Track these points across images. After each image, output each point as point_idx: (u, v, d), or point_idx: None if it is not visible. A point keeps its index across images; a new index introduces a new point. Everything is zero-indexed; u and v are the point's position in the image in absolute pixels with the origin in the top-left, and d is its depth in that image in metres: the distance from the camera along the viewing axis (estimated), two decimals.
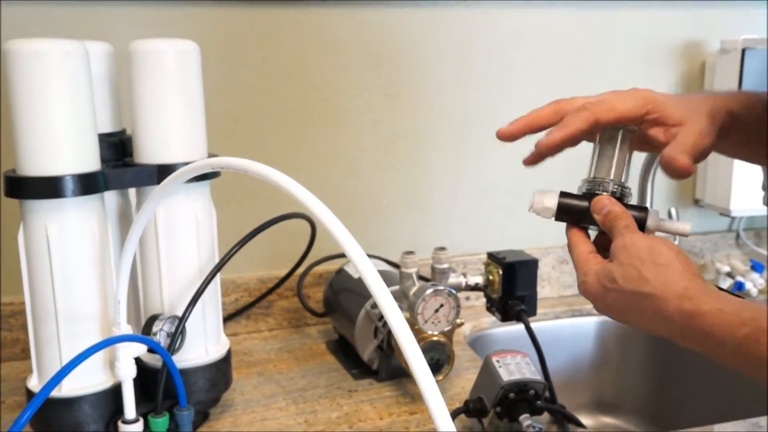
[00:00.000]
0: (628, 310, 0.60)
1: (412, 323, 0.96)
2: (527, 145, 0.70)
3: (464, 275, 1.05)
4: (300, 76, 1.23)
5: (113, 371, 0.82)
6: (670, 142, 0.64)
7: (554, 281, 1.42)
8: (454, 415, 0.90)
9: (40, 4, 1.09)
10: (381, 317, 1.03)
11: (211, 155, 0.91)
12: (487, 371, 0.89)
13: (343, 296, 1.14)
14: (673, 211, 1.37)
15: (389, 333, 1.02)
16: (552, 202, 0.67)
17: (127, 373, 0.81)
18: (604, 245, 0.65)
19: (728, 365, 0.54)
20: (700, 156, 0.64)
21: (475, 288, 1.05)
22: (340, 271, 1.19)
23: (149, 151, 0.86)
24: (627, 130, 0.67)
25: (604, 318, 1.30)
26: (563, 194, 0.67)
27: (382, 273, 1.13)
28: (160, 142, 0.86)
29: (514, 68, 1.33)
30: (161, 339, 0.85)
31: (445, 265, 1.01)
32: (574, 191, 0.69)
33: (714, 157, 0.72)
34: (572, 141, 0.66)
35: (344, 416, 0.96)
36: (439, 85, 1.30)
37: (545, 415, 0.95)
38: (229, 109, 1.21)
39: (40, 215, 0.79)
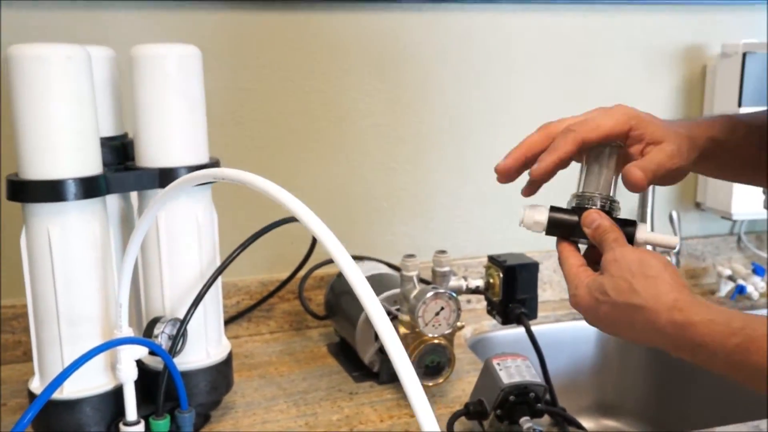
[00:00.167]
0: (619, 322, 0.61)
1: (413, 326, 0.96)
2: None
3: (465, 278, 1.05)
4: (302, 79, 1.23)
5: (115, 373, 0.82)
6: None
7: (555, 284, 1.42)
8: (455, 417, 0.90)
9: (42, 9, 1.10)
10: None
11: (212, 159, 0.91)
12: (488, 374, 0.90)
13: (344, 299, 1.14)
14: (675, 215, 1.37)
15: None
16: (542, 216, 0.68)
17: (129, 376, 0.81)
18: (594, 259, 0.67)
19: (721, 374, 0.55)
20: (666, 176, 0.66)
21: (475, 291, 1.06)
22: (341, 275, 1.18)
23: (151, 155, 0.87)
24: (613, 146, 0.68)
25: None
26: (553, 209, 0.68)
27: (383, 276, 1.14)
28: (161, 146, 0.86)
29: (515, 72, 1.34)
30: (162, 341, 0.85)
31: (446, 268, 1.02)
32: (571, 191, 0.70)
33: None
34: (563, 163, 0.67)
35: (345, 419, 0.97)
36: (441, 88, 1.30)
37: (546, 418, 0.95)
38: (230, 113, 1.21)
39: (42, 218, 0.79)
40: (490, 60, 1.32)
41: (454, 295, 0.97)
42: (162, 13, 1.15)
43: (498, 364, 0.90)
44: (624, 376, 1.38)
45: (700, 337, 0.55)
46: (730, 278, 1.44)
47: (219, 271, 0.90)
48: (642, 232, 0.66)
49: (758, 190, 1.07)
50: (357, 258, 1.22)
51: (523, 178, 0.71)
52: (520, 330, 1.02)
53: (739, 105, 1.35)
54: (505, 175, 0.68)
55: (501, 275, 1.02)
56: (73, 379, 0.78)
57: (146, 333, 0.86)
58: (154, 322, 0.87)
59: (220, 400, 0.97)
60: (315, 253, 1.16)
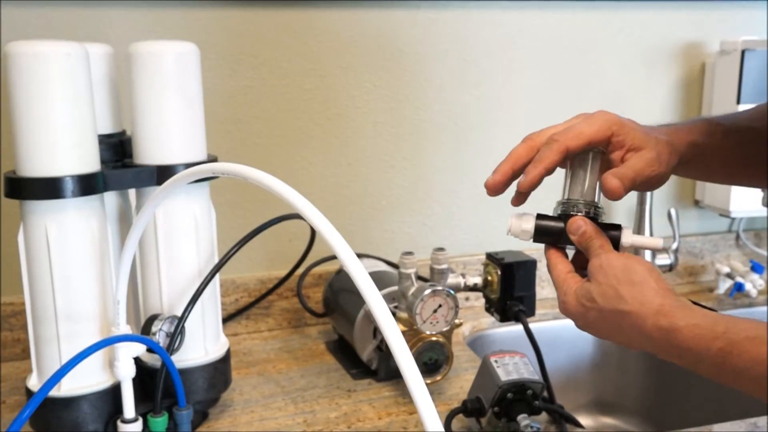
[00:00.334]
0: (607, 327, 0.63)
1: (411, 323, 0.96)
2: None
3: (463, 276, 1.05)
4: (300, 77, 1.23)
5: (112, 371, 0.82)
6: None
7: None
8: (452, 415, 0.91)
9: (40, 6, 1.10)
10: None
11: (210, 156, 0.91)
12: (485, 371, 0.90)
13: (343, 297, 1.14)
14: (673, 212, 1.37)
15: None
16: (529, 225, 0.69)
17: (127, 373, 0.81)
18: (582, 264, 0.68)
19: (707, 377, 0.56)
20: (646, 182, 0.67)
21: (473, 288, 1.06)
22: (340, 272, 1.19)
23: (149, 152, 0.87)
24: (596, 152, 0.69)
25: None
26: (540, 216, 0.69)
27: (381, 273, 1.14)
28: (159, 144, 0.86)
29: (514, 69, 1.34)
30: (160, 339, 0.85)
31: (444, 266, 1.02)
32: (558, 195, 0.71)
33: None
34: (549, 173, 0.68)
35: (343, 416, 0.97)
36: (439, 85, 1.30)
37: (543, 415, 0.95)
38: (228, 110, 1.21)
39: (40, 216, 0.79)
40: (488, 57, 1.32)
41: (452, 292, 0.97)
42: (160, 10, 1.15)
43: (496, 361, 0.90)
44: (622, 373, 1.38)
45: (685, 342, 0.56)
46: (729, 276, 1.44)
47: (217, 269, 0.90)
48: (627, 236, 0.68)
49: (757, 189, 1.07)
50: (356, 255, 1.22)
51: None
52: (518, 327, 1.02)
53: (738, 102, 1.35)
54: (495, 190, 0.70)
55: (499, 273, 1.02)
56: (71, 376, 0.79)
57: (144, 330, 0.86)
58: (152, 319, 0.87)
59: (218, 397, 0.97)
60: (313, 250, 1.16)
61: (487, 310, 1.07)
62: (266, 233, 0.97)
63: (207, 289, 0.88)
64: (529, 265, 1.03)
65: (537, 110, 1.36)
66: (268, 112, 1.23)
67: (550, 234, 0.69)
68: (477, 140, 1.34)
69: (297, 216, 1.02)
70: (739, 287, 1.41)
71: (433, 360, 0.99)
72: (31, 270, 0.82)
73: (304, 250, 1.16)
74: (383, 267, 1.20)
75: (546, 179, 0.68)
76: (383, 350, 1.04)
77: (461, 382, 1.05)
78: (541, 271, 1.32)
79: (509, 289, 1.02)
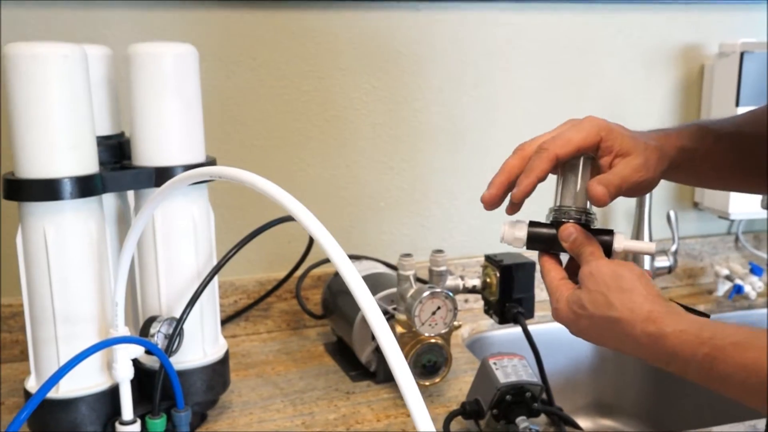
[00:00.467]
0: (599, 334, 0.63)
1: (410, 325, 0.96)
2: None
3: (462, 278, 1.05)
4: (299, 78, 1.23)
5: (111, 373, 0.82)
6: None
7: None
8: (451, 417, 0.90)
9: (39, 8, 1.10)
10: None
11: (208, 158, 0.91)
12: (484, 373, 0.90)
13: (341, 298, 1.14)
14: (672, 214, 1.37)
15: None
16: (522, 233, 0.70)
17: (125, 375, 0.81)
18: (576, 270, 0.68)
19: (696, 382, 0.56)
20: (633, 189, 0.67)
21: (472, 290, 1.06)
22: (338, 274, 1.19)
23: (147, 154, 0.87)
24: (587, 158, 0.70)
25: None
26: (532, 224, 0.70)
27: (380, 275, 1.14)
28: (158, 145, 0.86)
29: (512, 71, 1.34)
30: (159, 341, 0.85)
31: (443, 268, 1.02)
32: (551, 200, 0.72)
33: None
34: (541, 181, 0.68)
35: (342, 418, 0.97)
36: (438, 87, 1.30)
37: (542, 418, 0.95)
38: (227, 112, 1.21)
39: (38, 217, 0.79)
40: (486, 59, 1.32)
41: (451, 294, 0.97)
42: (159, 12, 1.15)
43: (494, 363, 0.90)
44: (621, 375, 1.38)
45: (672, 348, 0.57)
46: (728, 278, 1.44)
47: (215, 270, 0.90)
48: (619, 242, 0.68)
49: None
50: (354, 257, 1.22)
51: None
52: (517, 329, 1.02)
53: (737, 104, 1.36)
54: (492, 203, 0.70)
55: (498, 275, 1.02)
56: (69, 378, 0.79)
57: (142, 332, 0.86)
58: (151, 321, 0.87)
59: (217, 399, 0.97)
60: (312, 252, 1.16)
61: (486, 312, 1.07)
62: (265, 235, 0.97)
63: (205, 290, 0.88)
64: (528, 267, 1.03)
65: (535, 112, 1.36)
66: (267, 114, 1.23)
67: (542, 241, 0.70)
68: (475, 142, 1.34)
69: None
70: (738, 289, 1.41)
71: (432, 362, 0.99)
72: (30, 271, 0.82)
73: (302, 252, 1.16)
74: (382, 269, 1.20)
75: (540, 185, 0.69)
76: (382, 352, 1.04)
77: (460, 384, 1.05)
78: (540, 273, 1.32)
79: (508, 291, 1.02)
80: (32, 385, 0.85)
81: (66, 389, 0.82)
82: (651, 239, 1.36)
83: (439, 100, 1.31)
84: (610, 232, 0.68)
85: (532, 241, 0.70)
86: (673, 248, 1.36)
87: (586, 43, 1.37)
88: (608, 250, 0.67)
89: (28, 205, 0.79)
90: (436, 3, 1.27)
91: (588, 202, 0.69)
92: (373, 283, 1.08)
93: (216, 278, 0.92)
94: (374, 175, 1.30)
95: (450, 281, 1.03)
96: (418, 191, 1.33)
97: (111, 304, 0.81)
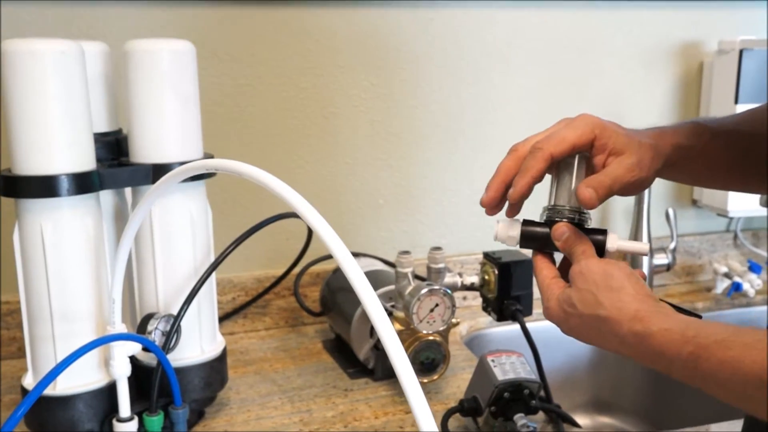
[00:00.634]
0: (588, 333, 0.63)
1: (408, 323, 0.96)
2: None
3: (460, 275, 1.05)
4: (296, 75, 1.23)
5: (108, 370, 0.82)
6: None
7: None
8: (449, 414, 0.90)
9: (36, 4, 1.10)
10: None
11: (206, 155, 0.91)
12: (482, 371, 0.90)
13: (340, 296, 1.14)
14: (671, 212, 1.37)
15: None
16: (515, 231, 0.70)
17: (122, 372, 0.81)
18: (568, 269, 0.68)
19: (682, 381, 0.56)
20: (626, 188, 0.67)
21: (470, 288, 1.06)
22: (337, 271, 1.19)
23: (144, 151, 0.86)
24: (581, 157, 0.69)
25: None
26: (526, 222, 0.70)
27: (378, 272, 1.14)
28: (155, 142, 0.86)
29: (510, 68, 1.34)
30: (156, 338, 0.85)
31: (441, 265, 1.02)
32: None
33: None
34: (537, 181, 0.68)
35: (340, 415, 0.97)
36: (436, 84, 1.30)
37: (540, 415, 0.95)
38: (224, 108, 1.21)
39: (35, 214, 0.79)
40: (485, 57, 1.32)
41: (449, 291, 0.97)
42: (156, 8, 1.15)
43: (492, 360, 0.90)
44: (620, 373, 1.38)
45: (658, 347, 0.57)
46: (727, 275, 1.44)
47: (213, 267, 0.90)
48: (612, 241, 0.68)
49: None
50: (352, 254, 1.21)
51: None
52: (516, 327, 1.02)
53: (736, 102, 1.35)
54: (491, 206, 0.70)
55: (496, 272, 1.02)
56: (66, 375, 0.79)
57: (140, 329, 0.86)
58: (148, 318, 0.86)
59: (215, 396, 0.97)
60: (311, 249, 1.16)
61: (484, 309, 1.07)
62: (263, 232, 0.96)
63: (203, 287, 0.88)
64: (527, 265, 1.03)
65: (534, 109, 1.36)
66: (265, 111, 1.23)
67: (536, 240, 0.70)
68: (474, 139, 1.34)
69: (294, 215, 1.01)
70: (737, 287, 1.41)
71: (430, 359, 0.99)
72: (27, 268, 0.81)
73: (301, 248, 1.16)
74: (380, 266, 1.20)
75: (538, 185, 0.69)
76: (380, 349, 1.04)
77: (458, 381, 1.05)
78: None
79: (506, 289, 1.02)
80: (29, 382, 0.85)
81: (63, 386, 0.82)
82: (650, 237, 1.36)
83: (438, 97, 1.31)
84: (604, 232, 0.68)
85: (526, 240, 0.70)
86: (672, 246, 1.36)
87: (585, 41, 1.37)
88: (601, 250, 0.67)
89: (25, 202, 0.79)
90: (435, 1, 1.26)
91: None
92: (372, 280, 1.06)
93: (214, 275, 0.92)
94: (372, 173, 1.30)
95: (448, 278, 1.03)
96: (417, 188, 1.33)
97: (108, 301, 0.81)
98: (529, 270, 1.03)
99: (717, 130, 0.74)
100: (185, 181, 0.82)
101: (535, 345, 1.00)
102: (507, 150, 0.71)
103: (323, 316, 1.23)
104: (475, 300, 1.34)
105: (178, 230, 0.88)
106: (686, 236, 1.49)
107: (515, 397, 0.87)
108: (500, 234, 0.71)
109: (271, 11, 1.20)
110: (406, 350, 0.95)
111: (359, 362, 1.08)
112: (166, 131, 0.86)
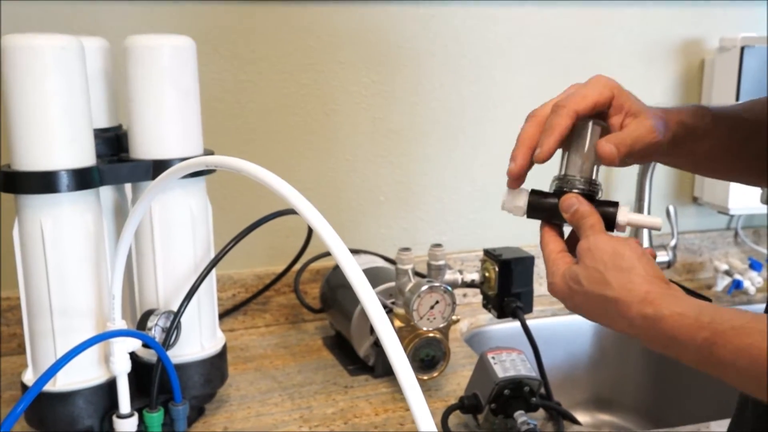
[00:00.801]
0: (594, 311, 0.62)
1: (408, 320, 0.96)
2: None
3: (460, 272, 1.04)
4: (297, 72, 1.23)
5: (108, 366, 0.82)
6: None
7: None
8: (449, 411, 0.90)
9: (36, 0, 1.09)
10: None
11: (206, 151, 0.91)
12: (482, 368, 0.89)
13: (340, 292, 1.14)
14: (671, 209, 1.37)
15: None
16: (522, 201, 0.68)
17: (122, 368, 0.81)
18: (576, 242, 0.66)
19: (693, 367, 0.55)
20: (643, 151, 0.65)
21: (471, 285, 1.05)
22: (337, 268, 1.19)
23: (145, 147, 0.86)
24: (596, 124, 0.67)
25: None
26: (534, 192, 0.68)
27: (378, 269, 1.14)
28: (155, 138, 0.86)
29: (511, 65, 1.33)
30: (156, 334, 0.85)
31: (441, 262, 1.01)
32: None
33: None
34: (562, 138, 0.66)
35: (340, 412, 0.96)
36: (437, 81, 1.30)
37: (540, 412, 0.95)
38: (225, 105, 1.21)
39: (34, 210, 0.79)
40: (486, 54, 1.31)
41: (450, 288, 0.97)
42: (156, 4, 1.14)
43: (493, 358, 0.89)
44: (620, 370, 1.38)
45: (670, 331, 0.55)
46: (727, 273, 1.43)
47: (213, 264, 0.90)
48: (623, 214, 0.66)
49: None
50: (353, 251, 1.21)
51: (529, 176, 0.70)
52: (516, 324, 1.02)
53: (737, 99, 1.35)
54: (518, 176, 0.68)
55: (496, 269, 1.02)
56: (66, 371, 0.79)
57: (140, 325, 0.86)
58: (148, 314, 0.86)
59: (215, 393, 0.97)
60: (311, 246, 1.16)
61: (485, 306, 1.07)
62: (263, 229, 0.96)
63: (203, 284, 0.88)
64: (527, 262, 1.02)
65: (535, 106, 1.35)
66: (265, 108, 1.23)
67: (543, 210, 0.67)
68: (475, 136, 1.33)
69: (294, 211, 1.02)
70: (737, 285, 1.41)
71: (430, 356, 0.99)
72: (26, 264, 0.81)
73: (301, 245, 1.16)
74: (380, 263, 1.20)
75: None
76: (380, 346, 1.04)
77: (458, 378, 1.05)
78: (539, 267, 1.32)
79: (507, 286, 1.02)
80: (29, 378, 0.85)
81: (63, 382, 0.82)
82: (650, 234, 1.36)
83: (439, 94, 1.30)
84: (615, 204, 0.66)
85: (533, 210, 0.68)
86: (672, 243, 1.36)
87: (586, 38, 1.36)
88: (611, 223, 0.65)
89: (25, 198, 0.79)
90: None
91: (594, 172, 0.67)
92: (372, 277, 1.08)
93: (214, 272, 0.92)
94: (373, 169, 1.30)
95: (448, 275, 1.02)
96: (417, 185, 1.33)
97: (108, 297, 0.81)
98: (530, 267, 1.03)
99: (720, 115, 0.72)
100: (185, 177, 0.82)
101: (535, 342, 1.00)
102: (508, 148, 0.70)
103: (323, 313, 1.23)
104: (476, 297, 1.34)
105: (178, 226, 0.88)
106: (687, 233, 1.49)
107: (515, 394, 0.87)
108: (506, 203, 0.68)
109: (272, 7, 1.19)
110: (406, 347, 0.95)
111: (359, 359, 1.08)
112: (166, 127, 0.86)
